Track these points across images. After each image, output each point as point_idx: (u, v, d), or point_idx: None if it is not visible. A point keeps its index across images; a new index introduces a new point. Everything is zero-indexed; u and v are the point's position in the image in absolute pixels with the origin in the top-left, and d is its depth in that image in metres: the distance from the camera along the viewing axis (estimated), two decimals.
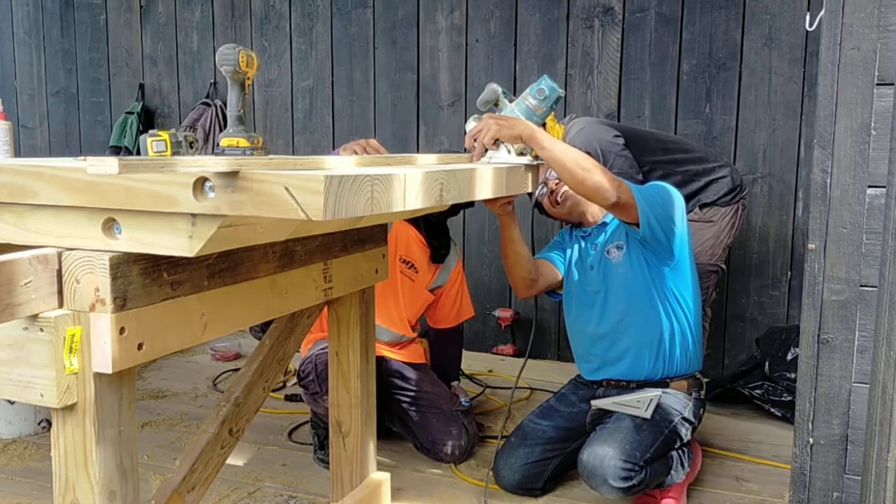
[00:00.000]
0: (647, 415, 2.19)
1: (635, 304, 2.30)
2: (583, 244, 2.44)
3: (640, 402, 2.22)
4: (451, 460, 2.57)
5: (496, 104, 2.05)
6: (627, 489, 2.07)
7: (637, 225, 2.16)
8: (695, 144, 3.12)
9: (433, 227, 2.68)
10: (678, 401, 2.26)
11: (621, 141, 2.76)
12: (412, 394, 2.60)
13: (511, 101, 2.06)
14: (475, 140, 1.97)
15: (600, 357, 2.37)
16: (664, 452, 2.18)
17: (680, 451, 2.24)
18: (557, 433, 2.36)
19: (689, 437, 2.27)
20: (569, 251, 2.49)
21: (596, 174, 2.02)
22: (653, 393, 2.24)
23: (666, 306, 2.29)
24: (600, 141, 2.73)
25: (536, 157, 2.01)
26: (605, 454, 2.07)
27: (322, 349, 2.43)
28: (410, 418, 2.59)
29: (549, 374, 3.48)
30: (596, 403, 2.32)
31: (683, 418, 2.24)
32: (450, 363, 2.94)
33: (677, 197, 2.26)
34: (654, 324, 2.29)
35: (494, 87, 2.06)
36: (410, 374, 2.64)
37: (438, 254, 2.73)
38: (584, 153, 2.07)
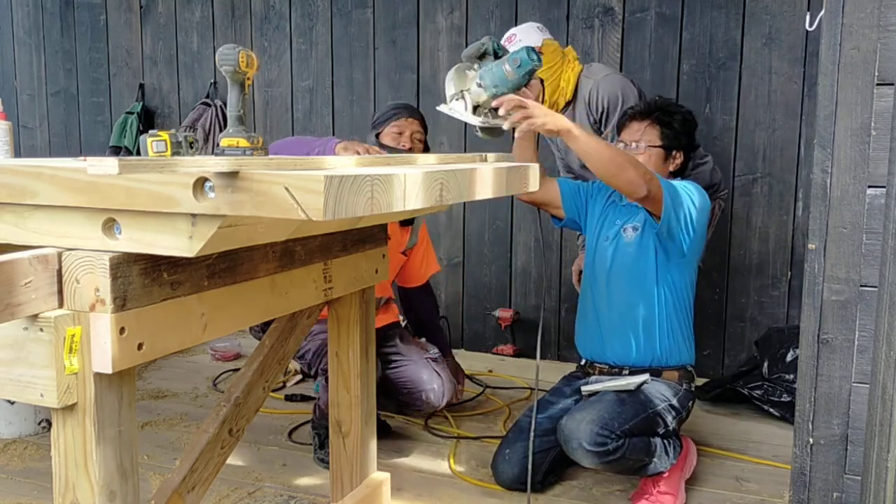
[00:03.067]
0: (632, 387, 2.26)
1: (634, 288, 2.34)
2: (611, 212, 2.44)
3: (628, 383, 2.28)
4: (430, 408, 2.60)
5: (481, 58, 2.03)
6: (602, 454, 2.10)
7: (658, 217, 2.20)
8: None
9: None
10: (668, 388, 2.31)
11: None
12: (390, 352, 2.63)
13: (496, 60, 2.04)
14: (517, 108, 1.97)
15: (597, 330, 2.42)
16: (645, 430, 2.20)
17: (665, 441, 2.26)
18: (552, 423, 2.37)
19: (674, 425, 2.30)
20: (595, 205, 2.48)
21: (628, 170, 2.06)
22: (642, 377, 2.30)
23: (661, 297, 2.33)
24: (627, 93, 2.75)
25: (489, 117, 2.01)
26: (581, 419, 2.14)
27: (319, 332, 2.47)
28: (388, 378, 2.60)
29: (550, 374, 3.46)
30: (587, 389, 2.36)
31: (671, 405, 2.28)
32: (430, 319, 2.99)
33: (705, 200, 2.31)
34: (649, 311, 2.33)
35: (480, 44, 2.02)
36: (389, 336, 2.69)
37: (410, 223, 2.73)
38: (616, 149, 2.09)
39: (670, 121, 2.40)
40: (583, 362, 2.51)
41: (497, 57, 2.01)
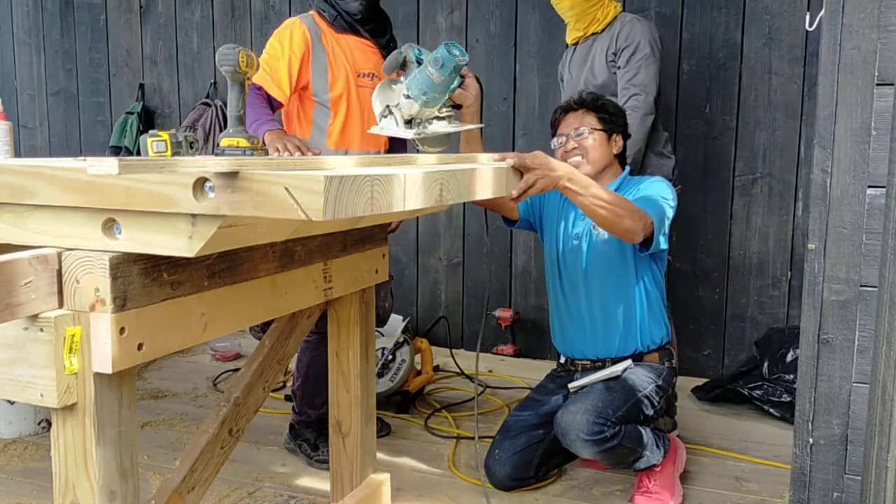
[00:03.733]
0: (618, 373, 2.32)
1: (613, 284, 2.36)
2: (573, 214, 2.44)
3: (613, 371, 2.33)
4: (377, 322, 2.60)
5: (403, 68, 1.92)
6: (600, 442, 2.14)
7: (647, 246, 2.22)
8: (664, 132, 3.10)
9: (374, 28, 2.58)
10: (651, 370, 2.36)
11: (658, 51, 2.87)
12: None
13: (419, 67, 1.92)
14: (527, 186, 1.83)
15: (577, 329, 2.43)
16: (636, 414, 2.25)
17: (655, 434, 2.30)
18: (538, 419, 2.40)
19: (662, 403, 2.35)
20: (548, 204, 2.50)
21: (625, 219, 2.06)
22: (625, 363, 2.35)
23: (640, 284, 2.36)
24: (653, 44, 2.80)
25: (427, 127, 1.91)
26: (577, 411, 2.18)
27: None
28: None
29: None
30: (573, 385, 2.39)
31: (657, 386, 2.32)
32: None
33: (675, 195, 2.33)
34: (629, 304, 2.36)
35: (398, 54, 1.91)
36: None
37: (388, 48, 2.60)
38: (613, 195, 2.06)
39: (604, 105, 2.44)
40: (563, 360, 2.54)
41: (420, 64, 1.89)
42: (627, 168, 2.48)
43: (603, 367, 2.39)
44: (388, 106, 1.86)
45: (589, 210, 2.01)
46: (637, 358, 2.38)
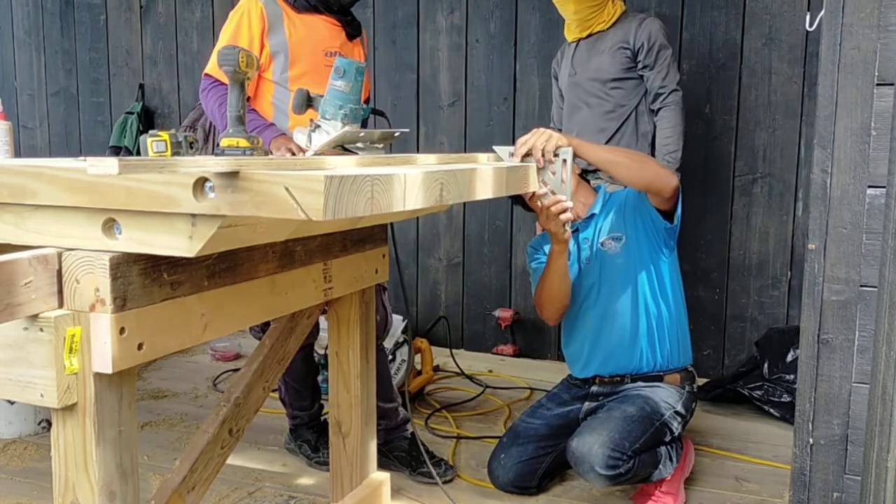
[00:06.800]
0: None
1: (631, 296, 2.33)
2: (572, 241, 2.41)
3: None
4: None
5: (309, 105, 1.90)
6: (614, 476, 2.10)
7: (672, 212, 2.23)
8: None
9: (338, 6, 2.45)
10: (670, 394, 2.30)
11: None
12: None
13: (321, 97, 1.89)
14: (537, 150, 1.90)
15: (597, 350, 2.39)
16: (653, 444, 2.20)
17: (669, 447, 2.26)
18: (549, 430, 2.37)
19: (679, 430, 2.30)
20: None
21: (651, 165, 2.15)
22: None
23: (659, 297, 2.33)
24: (665, 40, 2.90)
25: (361, 142, 1.85)
26: (593, 442, 2.11)
27: None
28: None
29: (549, 374, 3.48)
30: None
31: (675, 412, 2.27)
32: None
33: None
34: (650, 314, 2.33)
35: (299, 92, 1.89)
36: None
37: (353, 26, 2.51)
38: (630, 151, 2.21)
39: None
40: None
41: (312, 99, 1.88)
42: (602, 186, 2.52)
43: (621, 382, 2.36)
44: (311, 120, 1.82)
45: (609, 164, 2.08)
46: (657, 378, 2.33)
